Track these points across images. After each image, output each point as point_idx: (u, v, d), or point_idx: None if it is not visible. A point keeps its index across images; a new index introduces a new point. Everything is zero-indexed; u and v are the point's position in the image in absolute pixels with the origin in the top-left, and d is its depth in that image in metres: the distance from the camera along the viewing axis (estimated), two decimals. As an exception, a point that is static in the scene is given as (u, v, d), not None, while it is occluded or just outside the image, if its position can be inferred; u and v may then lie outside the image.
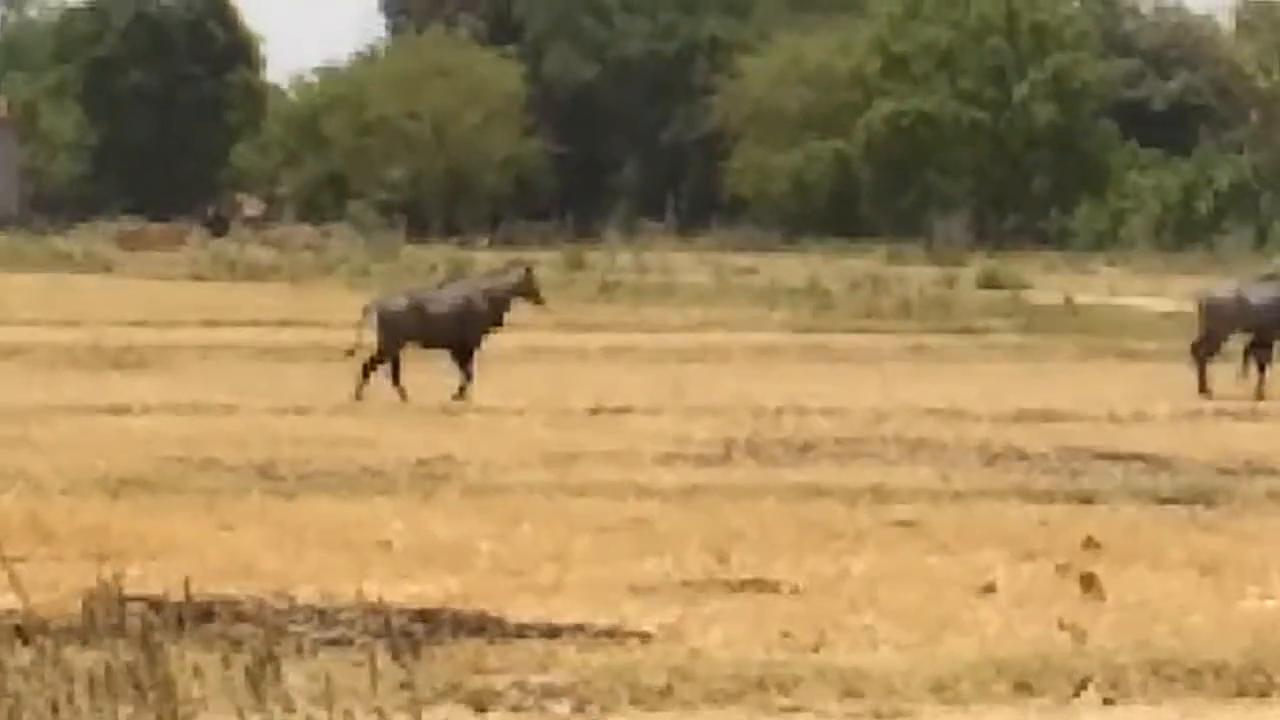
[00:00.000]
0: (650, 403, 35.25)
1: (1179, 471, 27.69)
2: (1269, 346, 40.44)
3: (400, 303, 39.89)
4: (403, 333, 38.03)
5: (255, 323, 57.55)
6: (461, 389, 36.71)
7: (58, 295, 67.08)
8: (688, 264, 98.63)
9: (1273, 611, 16.09)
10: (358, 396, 35.97)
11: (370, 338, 37.63)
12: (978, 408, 35.36)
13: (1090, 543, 19.58)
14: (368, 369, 36.93)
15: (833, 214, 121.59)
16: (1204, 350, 40.87)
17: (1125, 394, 40.03)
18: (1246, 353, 41.01)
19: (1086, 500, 24.02)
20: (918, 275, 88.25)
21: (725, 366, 46.92)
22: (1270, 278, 44.13)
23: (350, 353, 37.63)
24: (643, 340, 53.50)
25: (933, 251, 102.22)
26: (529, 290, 40.75)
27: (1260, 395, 39.21)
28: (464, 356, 37.15)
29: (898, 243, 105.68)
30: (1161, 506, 23.98)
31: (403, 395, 36.07)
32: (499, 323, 39.12)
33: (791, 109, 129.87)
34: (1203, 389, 39.80)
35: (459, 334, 38.17)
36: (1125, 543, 20.05)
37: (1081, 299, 69.74)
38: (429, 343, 38.43)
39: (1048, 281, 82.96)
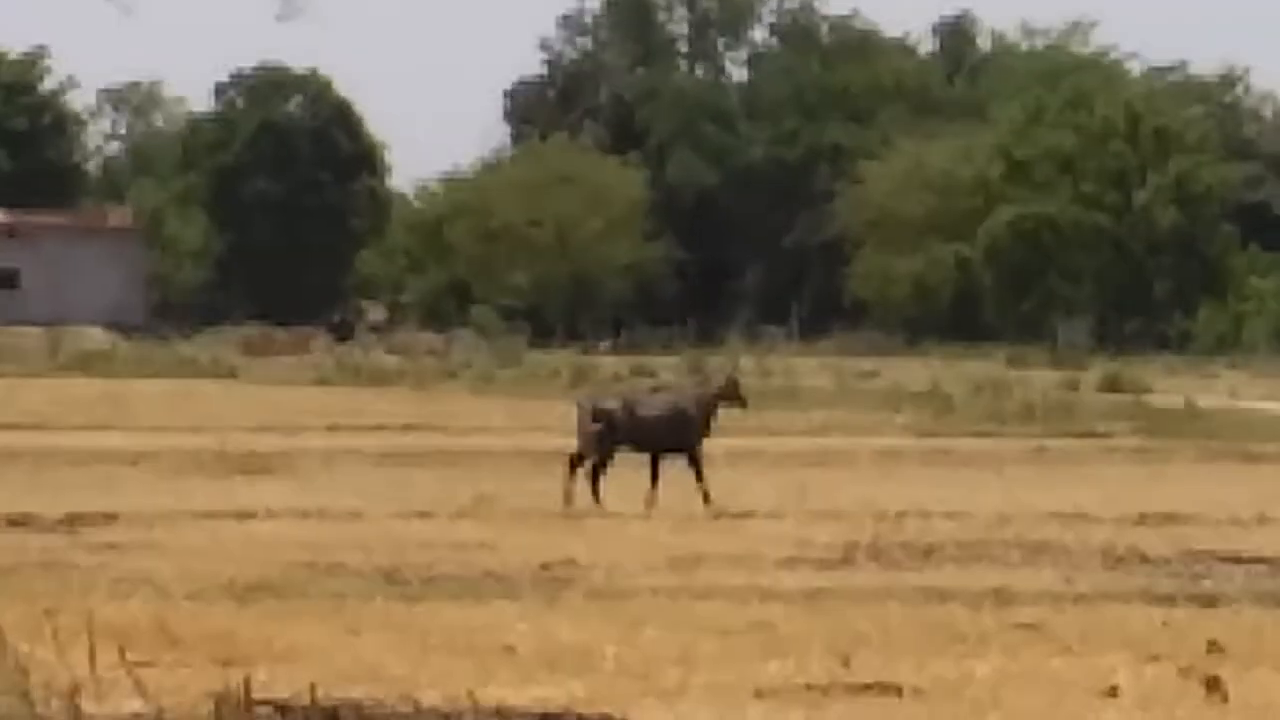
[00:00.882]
0: (773, 507, 35.00)
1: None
2: None
3: (614, 403, 38.27)
4: (617, 434, 36.67)
5: (379, 427, 57.59)
6: (705, 495, 35.10)
7: (184, 401, 66.61)
8: (810, 368, 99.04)
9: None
10: (568, 501, 34.36)
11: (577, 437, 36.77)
12: (1099, 511, 35.12)
13: (1214, 646, 18.70)
14: (573, 467, 35.51)
15: (954, 318, 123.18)
16: None
17: (1247, 497, 39.44)
18: None
19: (1210, 603, 23.50)
20: (1039, 379, 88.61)
21: (848, 470, 46.57)
22: None
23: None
24: (766, 444, 53.35)
25: (1055, 355, 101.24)
26: (734, 394, 39.70)
27: None
28: (694, 463, 35.85)
29: (1019, 346, 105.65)
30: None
31: (596, 498, 34.69)
32: (709, 427, 37.86)
33: (913, 214, 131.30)
34: None
35: (672, 439, 37.02)
36: (1249, 645, 19.18)
37: (1203, 402, 68.72)
38: (640, 446, 37.05)
39: (1169, 385, 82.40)
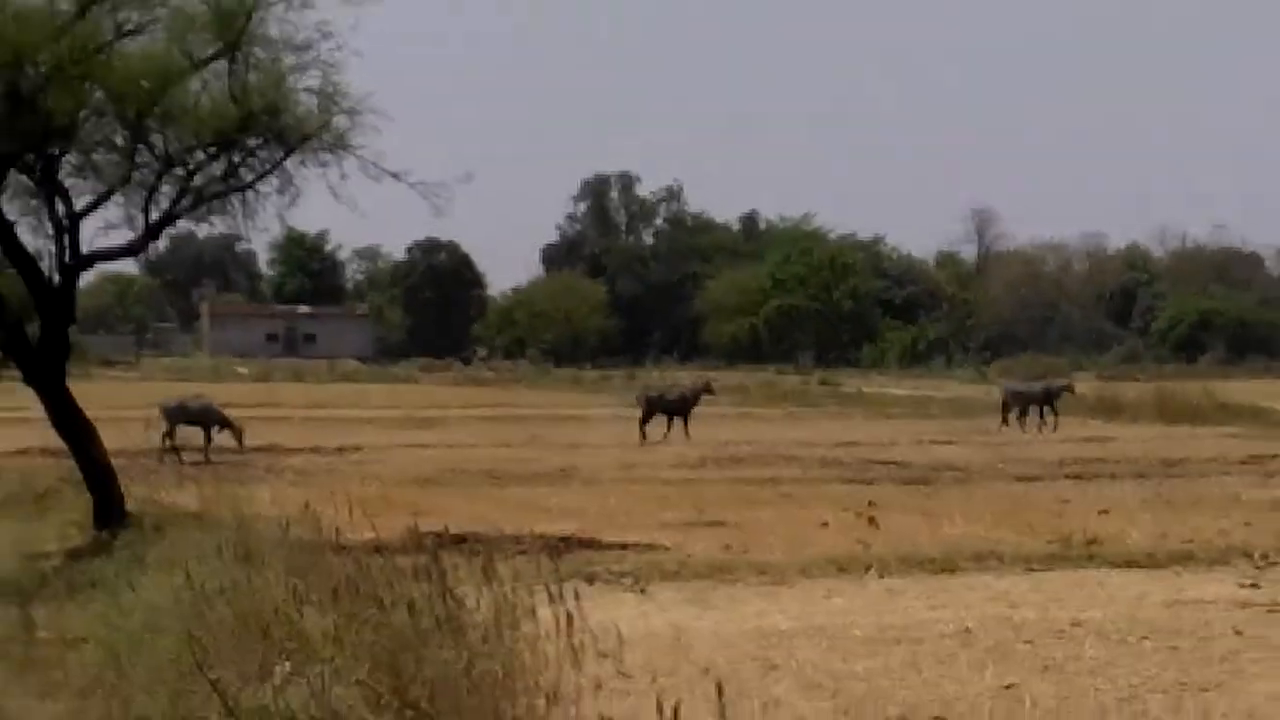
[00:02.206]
0: (674, 441, 51.07)
1: (908, 468, 39.60)
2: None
3: (654, 393, 57.66)
4: (655, 408, 54.53)
5: (483, 405, 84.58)
6: (686, 434, 52.39)
7: (392, 394, 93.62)
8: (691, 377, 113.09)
9: (960, 534, 24.24)
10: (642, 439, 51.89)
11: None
12: (817, 440, 50.66)
13: (872, 504, 28.48)
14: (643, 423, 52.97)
15: (750, 353, 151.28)
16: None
17: (887, 434, 55.84)
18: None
19: (870, 483, 34.61)
20: (790, 380, 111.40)
21: (705, 425, 55.74)
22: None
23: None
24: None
25: (797, 370, 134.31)
26: (708, 391, 59.13)
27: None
28: (685, 423, 53.51)
29: (781, 365, 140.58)
30: (901, 485, 34.71)
31: (642, 438, 51.77)
32: (694, 406, 55.49)
33: (730, 304, 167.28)
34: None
35: (680, 410, 54.23)
36: (889, 502, 29.51)
37: (865, 389, 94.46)
38: (666, 414, 54.22)
39: (850, 382, 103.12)
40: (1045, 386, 60.91)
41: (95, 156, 25.82)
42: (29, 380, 26.45)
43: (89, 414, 27.64)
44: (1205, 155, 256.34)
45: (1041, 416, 57.15)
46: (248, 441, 43.75)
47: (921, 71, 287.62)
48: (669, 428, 53.04)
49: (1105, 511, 26.75)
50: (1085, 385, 72.11)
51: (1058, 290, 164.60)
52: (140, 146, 25.57)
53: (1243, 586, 18.75)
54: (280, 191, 26.29)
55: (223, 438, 43.59)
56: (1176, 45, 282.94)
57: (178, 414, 44.26)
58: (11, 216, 25.52)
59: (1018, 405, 58.39)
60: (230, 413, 45.41)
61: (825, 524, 25.71)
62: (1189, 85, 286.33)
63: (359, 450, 44.76)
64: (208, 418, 44.57)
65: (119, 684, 12.63)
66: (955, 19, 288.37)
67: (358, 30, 27.62)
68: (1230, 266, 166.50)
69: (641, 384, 77.30)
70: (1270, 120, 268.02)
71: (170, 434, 43.29)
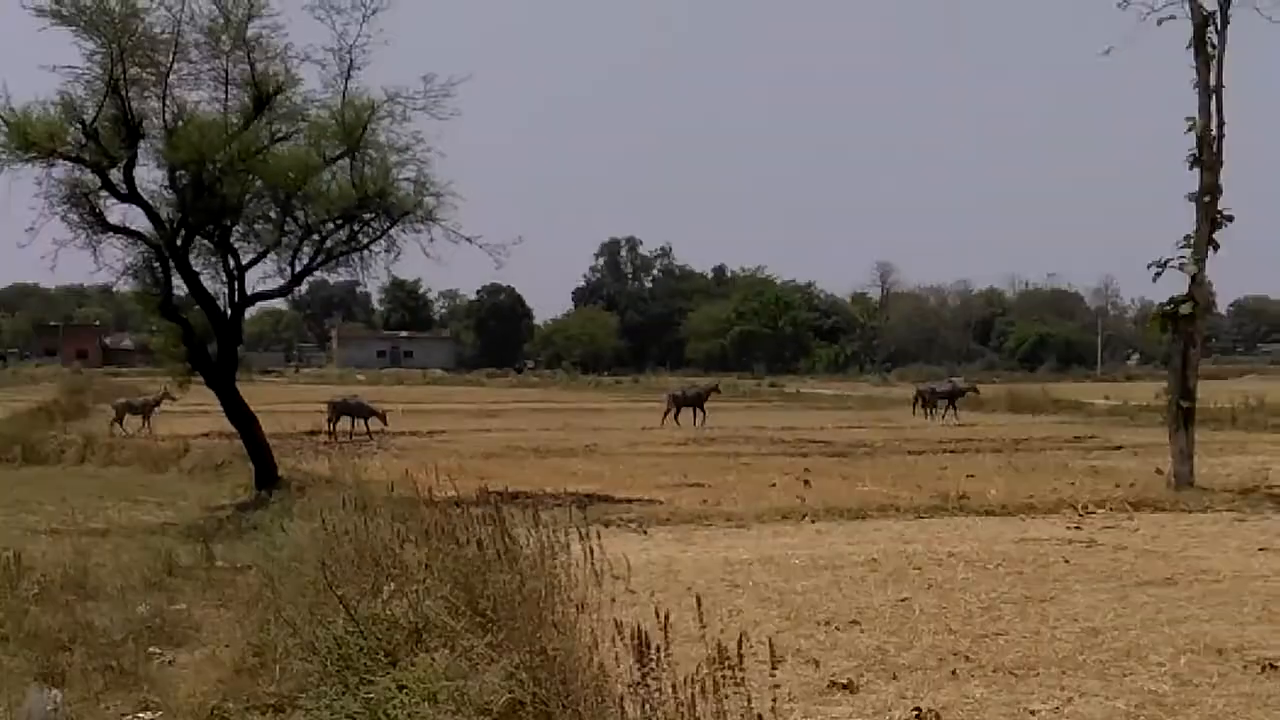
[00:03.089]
0: (682, 429, 47.51)
1: (832, 445, 38.24)
2: None
3: (679, 392, 55.78)
4: (680, 403, 52.19)
5: (533, 400, 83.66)
6: (703, 423, 49.48)
7: (463, 394, 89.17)
8: (684, 383, 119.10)
9: (869, 491, 24.17)
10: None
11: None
12: (768, 424, 49.01)
13: (807, 470, 28.26)
14: (666, 414, 50.79)
15: (722, 364, 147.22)
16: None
17: (816, 421, 53.40)
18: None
19: (806, 455, 33.91)
20: (750, 384, 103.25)
21: (714, 414, 53.12)
22: None
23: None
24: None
25: (754, 376, 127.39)
26: (716, 390, 58.12)
27: None
28: (702, 413, 50.77)
29: (743, 373, 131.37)
30: (828, 457, 33.68)
31: (662, 423, 49.32)
32: (707, 400, 53.24)
33: (707, 330, 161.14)
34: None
35: (698, 404, 51.78)
36: (821, 470, 28.89)
37: (802, 390, 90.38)
38: (688, 406, 51.75)
39: (791, 386, 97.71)
40: (953, 387, 59.34)
41: (255, 226, 26.48)
42: (209, 384, 27.02)
43: (252, 408, 28.35)
44: (1043, 221, 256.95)
45: (945, 411, 55.34)
46: (390, 425, 45.26)
47: (850, 157, 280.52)
48: (693, 417, 50.90)
49: (972, 476, 26.75)
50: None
51: (937, 319, 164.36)
52: (287, 219, 26.16)
53: (1069, 529, 18.97)
54: (387, 250, 26.81)
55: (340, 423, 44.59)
56: (1013, 140, 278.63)
57: (340, 408, 45.98)
58: (197, 268, 26.10)
59: (929, 401, 56.72)
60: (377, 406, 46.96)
61: (773, 485, 25.81)
62: (1032, 166, 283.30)
63: (443, 433, 44.44)
64: (361, 410, 46.04)
65: (273, 598, 12.74)
66: (871, 118, 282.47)
67: (441, 137, 28.16)
68: (1059, 302, 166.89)
69: (669, 387, 72.79)
70: (1079, 193, 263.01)
71: (334, 421, 44.84)
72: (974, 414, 56.16)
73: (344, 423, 45.12)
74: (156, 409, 45.20)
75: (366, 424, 45.29)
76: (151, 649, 12.09)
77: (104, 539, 19.32)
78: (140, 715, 10.21)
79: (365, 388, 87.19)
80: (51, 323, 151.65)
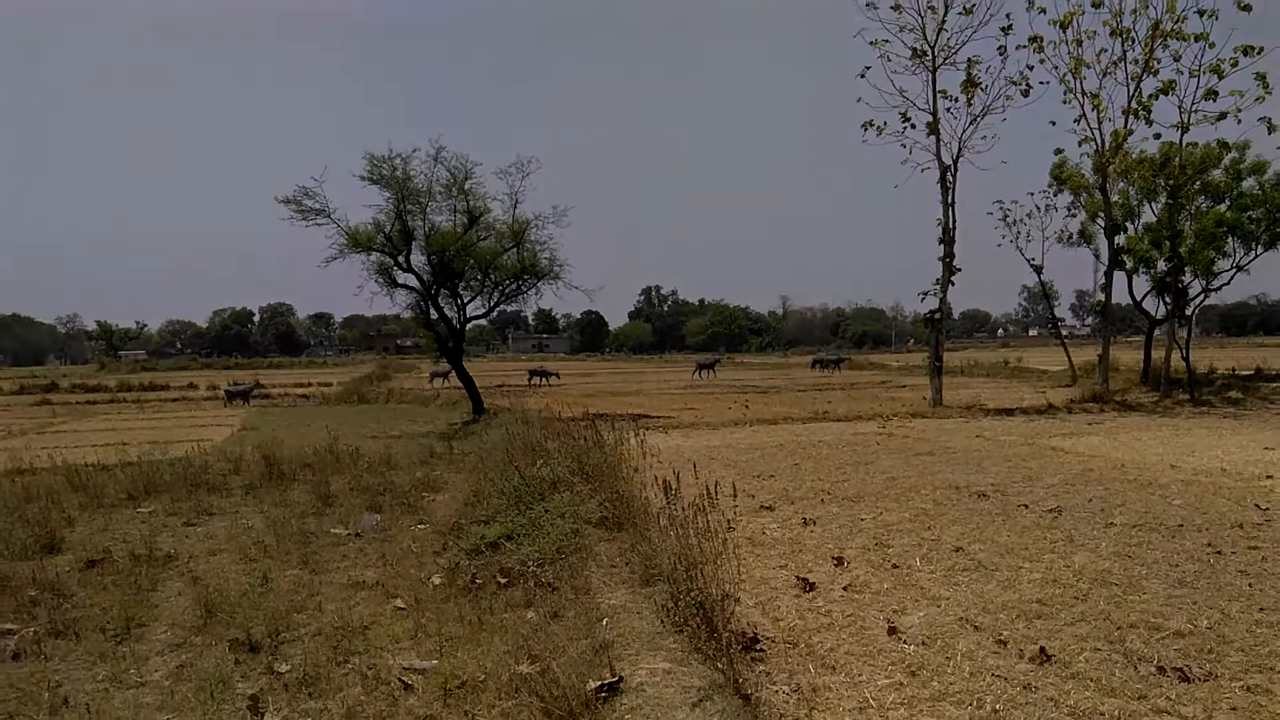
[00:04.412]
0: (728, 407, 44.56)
1: (759, 388, 34.86)
2: None
3: (701, 360, 50.28)
4: (705, 366, 47.42)
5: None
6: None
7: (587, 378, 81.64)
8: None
9: (778, 411, 23.32)
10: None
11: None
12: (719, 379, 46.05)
13: (747, 401, 26.92)
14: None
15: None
16: None
17: (753, 378, 49.86)
18: None
19: (746, 394, 31.25)
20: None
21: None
22: None
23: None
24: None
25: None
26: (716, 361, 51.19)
27: None
28: (713, 373, 46.07)
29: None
30: (758, 394, 31.10)
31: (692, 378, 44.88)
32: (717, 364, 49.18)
33: (695, 339, 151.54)
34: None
35: (710, 366, 47.01)
36: (753, 401, 26.61)
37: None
38: (704, 370, 46.91)
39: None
40: (837, 356, 56.50)
41: (470, 283, 25.95)
42: (449, 361, 26.72)
43: (471, 372, 27.80)
44: (870, 267, 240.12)
45: (832, 369, 52.07)
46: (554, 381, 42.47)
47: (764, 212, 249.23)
48: (706, 375, 46.46)
49: (830, 402, 26.04)
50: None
51: (812, 323, 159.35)
52: (486, 280, 25.78)
53: (879, 428, 18.33)
54: (536, 293, 26.23)
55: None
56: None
57: (536, 372, 43.11)
58: (442, 304, 25.60)
59: (820, 364, 53.86)
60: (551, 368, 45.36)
61: (729, 408, 24.90)
62: (866, 237, 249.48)
63: (564, 384, 41.95)
64: (545, 373, 42.98)
65: (482, 468, 12.52)
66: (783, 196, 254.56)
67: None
68: (872, 313, 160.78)
69: (678, 363, 69.15)
70: (888, 253, 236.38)
71: (532, 377, 42.46)
72: (835, 372, 55.11)
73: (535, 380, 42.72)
74: (445, 376, 42.44)
75: (547, 380, 42.31)
76: (424, 494, 11.99)
77: (398, 440, 19.15)
78: (418, 527, 10.08)
79: (526, 365, 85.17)
80: (369, 333, 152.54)
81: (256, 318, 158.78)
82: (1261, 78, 21.50)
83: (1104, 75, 23.75)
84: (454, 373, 37.62)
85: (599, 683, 5.10)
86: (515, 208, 25.03)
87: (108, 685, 5.97)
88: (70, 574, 8.30)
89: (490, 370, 56.71)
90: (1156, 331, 27.80)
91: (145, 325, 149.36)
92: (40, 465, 14.25)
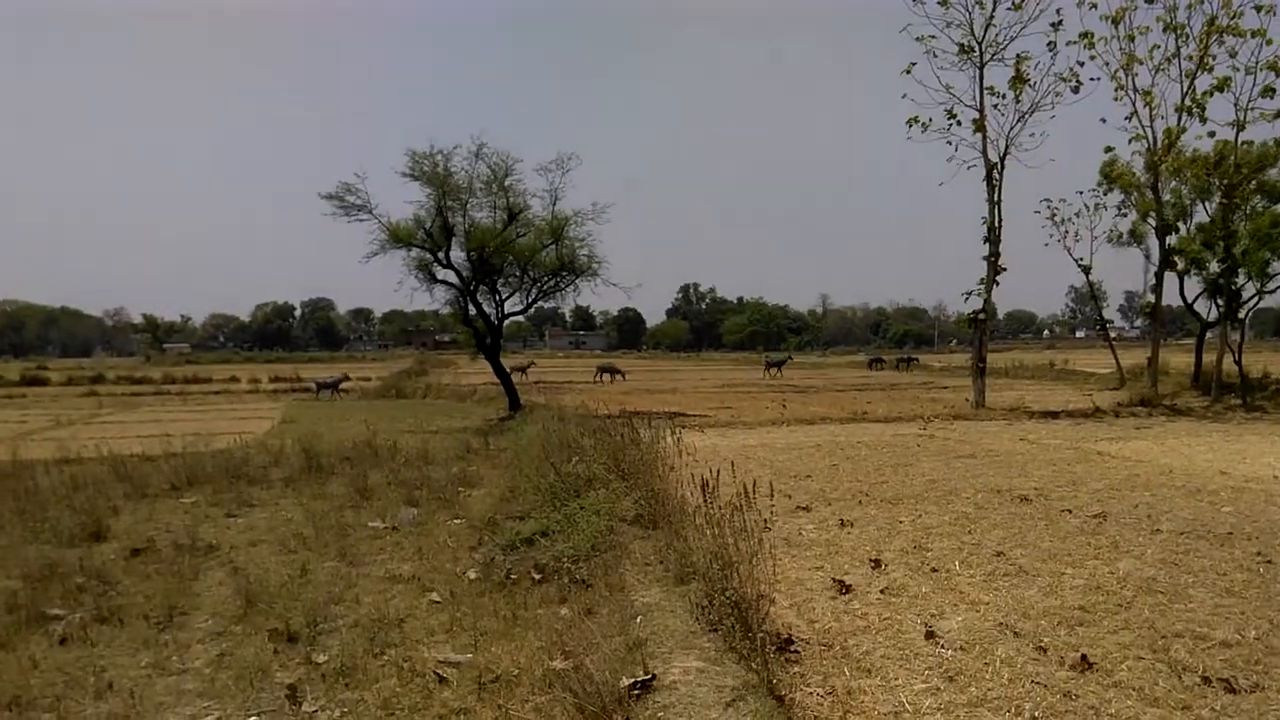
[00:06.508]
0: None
1: (798, 387, 34.97)
2: None
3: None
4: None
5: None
6: None
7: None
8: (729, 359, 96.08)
9: (816, 411, 23.24)
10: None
11: None
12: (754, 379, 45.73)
13: (784, 401, 26.46)
14: None
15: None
16: None
17: (791, 376, 47.94)
18: None
19: (784, 393, 31.07)
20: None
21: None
22: None
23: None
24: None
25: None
26: None
27: None
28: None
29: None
30: (796, 394, 31.18)
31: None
32: None
33: (729, 339, 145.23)
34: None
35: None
36: (791, 400, 26.42)
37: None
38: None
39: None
40: (899, 358, 55.25)
41: (509, 280, 25.96)
42: (486, 357, 26.68)
43: (508, 367, 27.70)
44: (913, 266, 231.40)
45: (889, 367, 50.61)
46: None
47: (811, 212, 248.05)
48: (775, 373, 45.21)
49: (870, 403, 25.75)
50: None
51: (852, 323, 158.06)
52: (524, 276, 25.79)
53: (919, 429, 18.15)
54: (574, 289, 26.12)
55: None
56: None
57: (603, 368, 42.35)
58: (480, 300, 25.63)
59: (878, 364, 52.62)
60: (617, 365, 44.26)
61: (767, 407, 24.73)
62: (916, 239, 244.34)
63: (599, 382, 41.67)
64: (614, 370, 42.07)
65: (518, 463, 12.59)
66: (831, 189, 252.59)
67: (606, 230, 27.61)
68: (913, 314, 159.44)
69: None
70: (936, 254, 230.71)
71: (599, 373, 41.72)
72: (878, 372, 54.46)
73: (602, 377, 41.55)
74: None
75: (612, 377, 41.15)
76: (460, 489, 12.01)
77: (435, 435, 19.20)
78: (455, 521, 10.10)
79: (561, 362, 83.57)
80: (408, 329, 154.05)
81: (298, 312, 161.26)
82: (1322, 74, 20.97)
83: (1156, 72, 23.33)
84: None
85: (632, 680, 5.10)
86: (555, 204, 25.02)
87: (150, 671, 6.05)
88: (115, 562, 8.42)
89: (555, 365, 55.94)
90: (1208, 334, 27.24)
91: (189, 319, 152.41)
92: (87, 455, 14.47)
